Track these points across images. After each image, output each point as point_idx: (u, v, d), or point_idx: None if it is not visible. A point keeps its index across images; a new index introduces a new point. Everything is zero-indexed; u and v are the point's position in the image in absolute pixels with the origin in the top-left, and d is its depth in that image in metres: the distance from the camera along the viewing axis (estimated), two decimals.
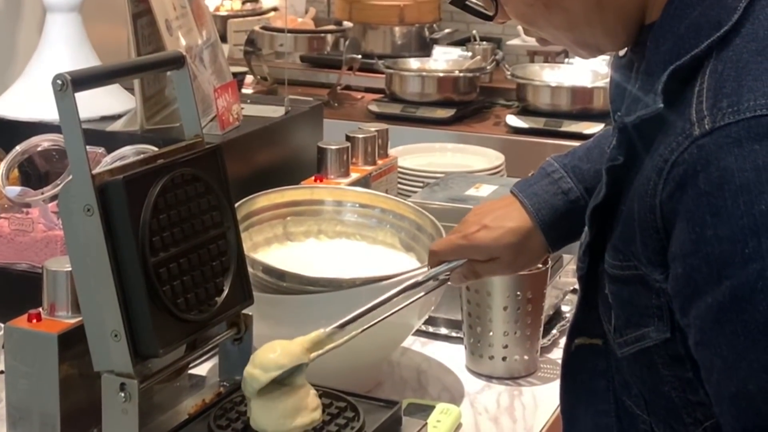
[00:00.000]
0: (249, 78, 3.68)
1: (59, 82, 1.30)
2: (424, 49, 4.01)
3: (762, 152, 1.04)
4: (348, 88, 3.87)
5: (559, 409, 1.63)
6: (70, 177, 1.33)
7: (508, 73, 3.52)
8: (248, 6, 4.16)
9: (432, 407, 1.65)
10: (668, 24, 1.16)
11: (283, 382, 1.38)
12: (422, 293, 1.55)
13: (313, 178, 2.08)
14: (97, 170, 1.34)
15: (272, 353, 1.39)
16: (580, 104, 3.37)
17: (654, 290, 1.15)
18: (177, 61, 1.49)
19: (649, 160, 1.12)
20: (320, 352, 1.40)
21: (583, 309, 1.30)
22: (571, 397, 1.35)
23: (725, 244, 1.04)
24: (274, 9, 4.12)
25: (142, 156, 1.46)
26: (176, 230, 1.40)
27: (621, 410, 1.28)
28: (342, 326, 1.43)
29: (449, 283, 1.56)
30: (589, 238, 1.26)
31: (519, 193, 1.50)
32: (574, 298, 1.90)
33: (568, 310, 1.99)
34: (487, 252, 1.50)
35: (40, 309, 1.43)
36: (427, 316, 1.78)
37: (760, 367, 1.03)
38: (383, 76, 3.64)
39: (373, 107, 3.54)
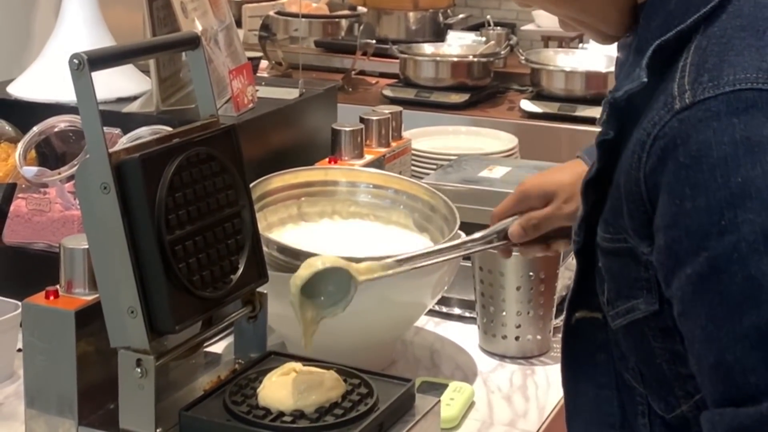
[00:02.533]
0: (264, 63, 3.68)
1: (76, 61, 1.32)
2: (438, 34, 4.02)
3: (740, 126, 1.05)
4: (362, 73, 3.88)
5: None
6: (87, 155, 1.34)
7: (522, 58, 3.51)
8: None
9: (445, 385, 1.66)
10: (659, 1, 1.17)
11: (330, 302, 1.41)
12: (477, 249, 1.62)
13: (327, 159, 2.09)
14: (113, 149, 1.35)
15: (321, 258, 1.43)
16: (595, 89, 3.36)
17: (642, 263, 1.17)
18: (192, 42, 1.50)
19: (635, 133, 1.14)
20: (371, 276, 1.43)
21: (581, 283, 1.31)
22: (572, 370, 1.36)
23: (703, 216, 1.06)
24: None
25: (157, 135, 1.47)
26: (192, 208, 1.41)
27: (620, 383, 1.29)
28: (399, 262, 1.49)
29: (512, 241, 1.59)
30: (583, 212, 1.27)
31: (580, 153, 1.57)
32: None
33: None
34: (541, 190, 1.57)
35: (57, 286, 1.44)
36: (440, 296, 1.79)
37: (737, 337, 1.04)
38: (397, 61, 3.64)
39: (387, 92, 3.55)
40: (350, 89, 3.68)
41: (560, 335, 1.85)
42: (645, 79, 1.14)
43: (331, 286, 1.44)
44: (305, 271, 1.42)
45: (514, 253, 1.80)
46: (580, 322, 1.33)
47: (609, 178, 1.20)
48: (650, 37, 1.16)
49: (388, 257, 1.54)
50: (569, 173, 1.58)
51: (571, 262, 1.99)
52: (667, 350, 1.19)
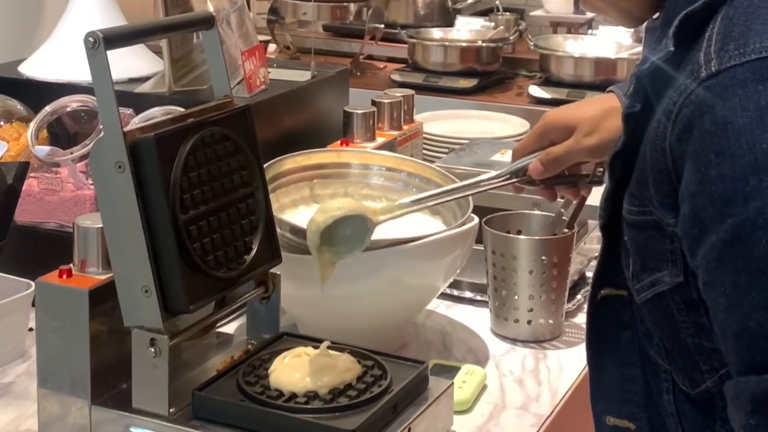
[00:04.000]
0: (272, 47, 3.67)
1: (91, 39, 1.31)
2: (446, 19, 4.01)
3: (765, 93, 1.05)
4: (370, 57, 3.87)
5: (584, 372, 1.65)
6: (102, 134, 1.34)
7: (531, 43, 3.51)
8: None
9: (457, 368, 1.66)
10: None
11: (346, 247, 1.41)
12: (495, 186, 1.63)
13: (339, 142, 2.08)
14: (128, 128, 1.34)
15: (337, 202, 1.42)
16: (603, 75, 3.36)
17: (667, 235, 1.17)
18: (207, 22, 1.50)
19: (661, 103, 1.14)
20: (390, 216, 1.43)
21: (607, 259, 1.31)
22: (596, 348, 1.36)
23: (727, 183, 1.05)
24: None
25: (171, 115, 1.47)
26: (206, 188, 1.41)
27: (645, 361, 1.29)
28: (415, 201, 1.51)
29: (532, 178, 1.58)
30: (610, 187, 1.27)
31: (613, 88, 1.54)
32: None
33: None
34: (563, 122, 1.55)
35: (71, 265, 1.44)
36: (452, 280, 1.78)
37: (760, 304, 1.03)
38: (406, 45, 3.64)
39: (396, 77, 3.54)
40: (358, 73, 3.67)
41: (573, 320, 1.87)
42: (672, 48, 1.14)
43: (349, 228, 1.44)
44: (322, 216, 1.42)
45: (525, 238, 1.80)
46: (605, 300, 1.32)
47: (635, 151, 1.20)
48: (678, 10, 1.16)
49: (403, 240, 1.53)
50: (594, 106, 1.55)
51: (584, 246, 1.99)
52: (691, 324, 1.18)
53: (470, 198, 1.78)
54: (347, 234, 1.43)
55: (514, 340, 1.81)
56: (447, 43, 3.60)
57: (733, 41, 1.09)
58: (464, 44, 3.59)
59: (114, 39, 1.34)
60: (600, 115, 1.52)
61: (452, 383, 1.49)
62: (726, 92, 1.07)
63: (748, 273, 1.04)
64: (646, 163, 1.16)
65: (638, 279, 1.23)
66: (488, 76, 3.56)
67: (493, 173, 1.61)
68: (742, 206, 1.04)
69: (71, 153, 1.85)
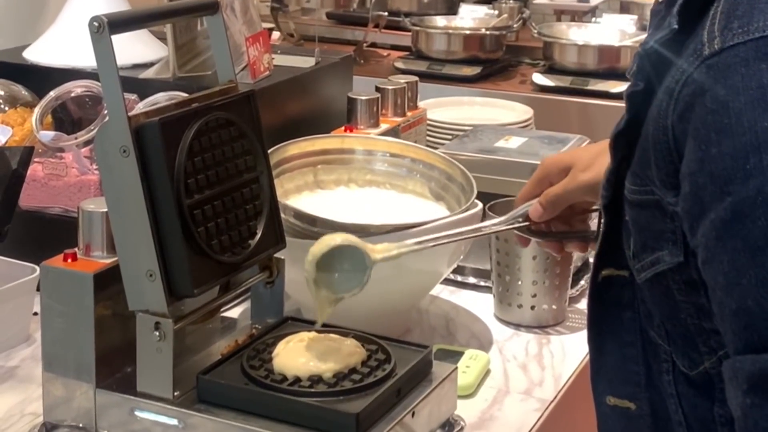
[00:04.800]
0: (275, 34, 3.67)
1: (96, 24, 1.32)
2: (450, 6, 4.01)
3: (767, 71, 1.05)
4: (374, 45, 3.87)
5: (587, 357, 1.65)
6: (107, 119, 1.34)
7: (535, 31, 3.51)
8: None
9: (461, 353, 1.66)
10: None
11: (344, 283, 1.41)
12: (497, 230, 1.64)
13: (343, 128, 2.08)
14: (133, 112, 1.35)
15: (334, 235, 1.42)
16: (607, 63, 3.36)
17: (668, 214, 1.17)
18: (211, 7, 1.50)
19: (664, 82, 1.14)
20: (388, 255, 1.43)
21: (608, 239, 1.31)
22: (598, 329, 1.36)
23: (728, 161, 1.05)
24: None
25: (176, 100, 1.47)
26: (211, 173, 1.41)
27: (645, 341, 1.29)
28: (417, 243, 1.50)
29: (533, 220, 1.58)
30: (612, 166, 1.27)
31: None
32: None
33: None
34: (559, 163, 1.56)
35: (76, 249, 1.44)
36: (455, 265, 1.79)
37: (759, 282, 1.03)
38: (409, 33, 3.64)
39: (399, 64, 3.54)
40: (362, 61, 3.67)
41: (576, 306, 1.87)
42: (675, 26, 1.14)
43: (347, 264, 1.43)
44: (319, 247, 1.41)
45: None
46: (606, 280, 1.33)
47: (638, 131, 1.20)
48: None
49: (407, 225, 1.53)
50: (591, 147, 1.57)
51: None
52: (691, 304, 1.19)
53: (474, 183, 1.79)
54: (345, 269, 1.43)
55: (517, 326, 1.82)
56: (450, 31, 3.60)
57: (736, 20, 1.08)
58: (468, 32, 3.59)
59: (118, 24, 1.34)
60: (596, 152, 1.53)
61: (456, 368, 1.49)
62: (728, 71, 1.06)
63: (747, 251, 1.04)
64: (648, 142, 1.16)
65: (639, 258, 1.23)
66: (492, 64, 3.56)
67: (496, 219, 1.61)
68: (741, 184, 1.04)
69: (76, 138, 1.85)
